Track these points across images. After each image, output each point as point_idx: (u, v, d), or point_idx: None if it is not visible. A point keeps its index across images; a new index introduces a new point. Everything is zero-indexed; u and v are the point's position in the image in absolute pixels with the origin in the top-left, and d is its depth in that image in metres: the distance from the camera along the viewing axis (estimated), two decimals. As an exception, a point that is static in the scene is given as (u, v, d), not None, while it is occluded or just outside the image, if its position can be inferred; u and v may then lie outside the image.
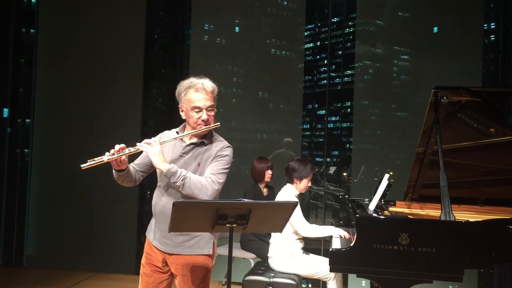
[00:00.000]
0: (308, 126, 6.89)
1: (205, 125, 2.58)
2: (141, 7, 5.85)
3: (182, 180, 2.45)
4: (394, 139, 6.57)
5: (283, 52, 7.10)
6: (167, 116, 5.52)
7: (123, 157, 2.46)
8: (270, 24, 7.02)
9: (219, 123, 2.61)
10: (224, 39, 6.87)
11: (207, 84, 2.61)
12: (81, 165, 2.39)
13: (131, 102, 5.75)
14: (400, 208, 3.82)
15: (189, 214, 2.25)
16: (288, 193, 3.90)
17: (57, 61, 5.98)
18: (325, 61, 6.97)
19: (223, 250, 4.57)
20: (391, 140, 6.57)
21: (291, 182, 3.93)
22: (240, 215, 2.26)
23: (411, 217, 3.47)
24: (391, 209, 3.73)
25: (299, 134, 6.64)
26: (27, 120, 5.89)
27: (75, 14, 5.93)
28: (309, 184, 3.97)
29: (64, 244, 5.76)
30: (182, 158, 2.61)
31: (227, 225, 2.27)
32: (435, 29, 6.13)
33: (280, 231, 2.44)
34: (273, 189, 4.97)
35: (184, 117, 2.66)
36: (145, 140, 2.50)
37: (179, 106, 2.66)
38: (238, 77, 6.98)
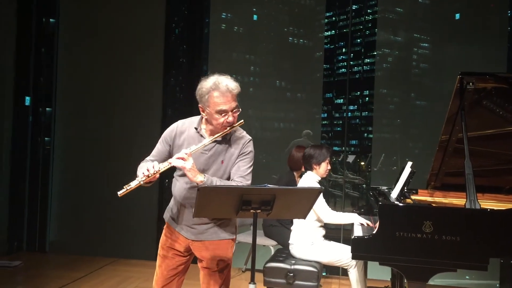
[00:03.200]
0: (326, 115, 6.83)
1: (230, 126, 2.54)
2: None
3: None
4: (413, 128, 6.50)
5: (301, 40, 7.04)
6: (186, 104, 5.49)
7: (157, 175, 2.43)
8: (288, 12, 6.96)
9: (242, 121, 2.56)
10: (242, 28, 6.83)
11: (232, 85, 2.49)
12: (118, 193, 2.39)
13: (150, 91, 5.73)
14: (422, 196, 3.77)
15: (214, 200, 2.23)
16: (310, 179, 3.88)
17: (77, 50, 5.99)
18: (344, 49, 6.90)
19: (243, 237, 4.57)
20: (410, 129, 6.50)
21: (311, 169, 3.90)
22: (264, 201, 2.23)
23: (434, 205, 3.43)
24: (413, 197, 3.68)
25: (318, 123, 6.60)
26: (47, 108, 5.92)
27: (95, 4, 5.93)
28: (329, 167, 3.94)
29: (86, 230, 5.82)
30: (204, 155, 2.58)
31: (251, 210, 2.26)
32: (457, 16, 6.01)
33: (304, 217, 2.42)
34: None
35: (205, 117, 2.58)
36: (177, 155, 2.43)
37: (200, 106, 2.56)
38: (256, 66, 6.94)
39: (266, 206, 2.25)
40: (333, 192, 6.13)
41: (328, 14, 6.95)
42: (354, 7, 6.56)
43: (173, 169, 2.57)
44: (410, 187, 3.82)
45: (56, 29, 5.95)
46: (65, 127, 6.03)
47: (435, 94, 6.04)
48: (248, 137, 2.65)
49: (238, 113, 2.55)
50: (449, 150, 3.39)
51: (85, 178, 5.84)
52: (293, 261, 3.68)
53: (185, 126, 2.68)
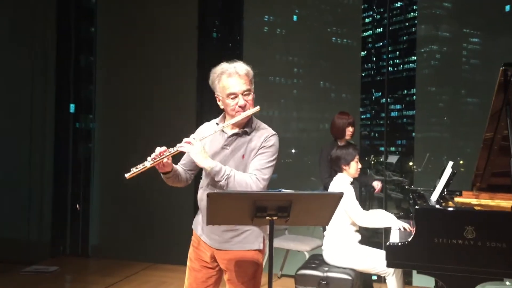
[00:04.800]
0: (369, 115, 6.57)
1: (244, 111, 2.35)
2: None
3: (225, 180, 2.25)
4: (463, 126, 6.17)
5: (345, 40, 6.82)
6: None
7: (165, 159, 2.30)
8: (330, 12, 6.76)
9: (258, 107, 2.36)
10: (282, 29, 6.70)
11: (240, 67, 2.36)
12: (125, 175, 2.29)
13: (186, 94, 5.65)
14: (467, 198, 3.43)
15: (225, 206, 2.05)
16: (341, 181, 3.63)
17: (114, 55, 6.00)
18: (389, 47, 6.63)
19: (277, 242, 4.36)
20: (460, 127, 6.17)
21: (340, 170, 3.66)
22: (281, 207, 2.03)
23: (478, 208, 3.11)
24: (456, 200, 3.36)
25: (358, 123, 6.37)
26: (89, 115, 5.99)
27: (130, 9, 5.91)
28: (360, 166, 3.69)
29: (125, 234, 5.80)
30: (225, 150, 2.40)
31: (267, 217, 2.06)
32: (507, 8, 5.59)
33: (327, 223, 2.21)
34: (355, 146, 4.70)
35: (222, 107, 2.45)
36: (185, 139, 2.31)
37: (216, 95, 2.44)
38: (300, 68, 6.78)
39: (283, 212, 2.04)
40: (375, 195, 5.86)
41: (372, 12, 6.70)
42: (398, 4, 6.26)
43: None
44: (456, 188, 3.52)
45: (94, 36, 6.00)
46: (105, 133, 6.05)
47: (487, 90, 5.64)
48: (272, 131, 2.43)
49: (250, 97, 2.38)
50: (494, 149, 3.07)
51: (124, 183, 5.81)
52: (326, 268, 3.43)
53: (209, 125, 2.56)
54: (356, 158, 3.64)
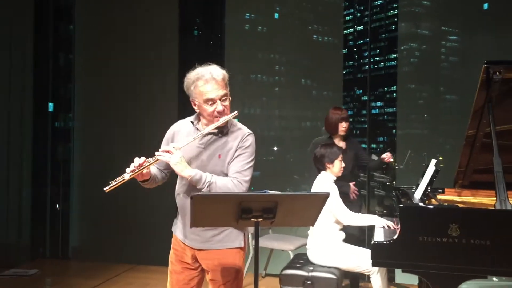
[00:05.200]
0: (352, 112, 6.56)
1: (222, 117, 2.32)
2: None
3: (207, 187, 2.24)
4: (443, 123, 6.21)
5: (326, 38, 6.81)
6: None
7: (145, 170, 2.27)
8: (312, 10, 6.74)
9: (236, 112, 2.35)
10: (263, 27, 6.65)
11: (216, 72, 2.31)
12: (104, 189, 2.24)
13: (167, 93, 5.57)
14: (449, 196, 3.43)
15: (210, 208, 1.99)
16: (324, 180, 3.59)
17: (93, 54, 5.89)
18: (370, 45, 6.64)
19: (261, 242, 4.30)
20: (439, 124, 6.20)
21: (324, 168, 3.62)
22: (266, 208, 1.99)
23: (461, 205, 3.10)
24: (439, 197, 3.35)
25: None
26: (68, 114, 5.86)
27: (109, 7, 5.80)
28: (343, 165, 3.66)
29: (107, 236, 5.69)
30: (200, 149, 2.37)
31: (252, 219, 2.01)
32: (485, 6, 5.63)
33: (312, 224, 2.16)
34: (354, 140, 4.47)
35: (197, 110, 2.41)
36: (164, 148, 2.28)
37: (191, 100, 2.40)
38: (281, 65, 6.75)
39: (268, 213, 2.00)
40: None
41: (352, 10, 6.69)
42: (379, 2, 6.26)
43: None
44: (438, 185, 3.51)
45: (72, 35, 5.87)
46: (84, 132, 5.93)
47: (466, 87, 5.71)
48: (248, 130, 2.41)
49: (228, 101, 2.35)
50: (476, 146, 3.06)
51: (105, 184, 5.71)
52: (311, 268, 3.39)
53: (182, 124, 2.51)
54: (340, 157, 3.61)
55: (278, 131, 6.70)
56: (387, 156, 4.25)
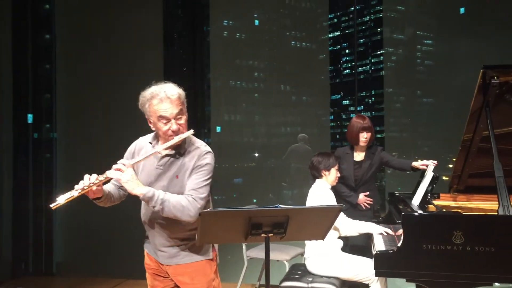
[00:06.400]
0: (333, 117, 6.52)
1: (176, 135, 2.23)
2: (158, 5, 5.48)
3: (160, 204, 2.12)
4: (420, 126, 6.20)
5: (304, 43, 6.75)
6: (188, 115, 5.15)
7: (94, 187, 2.13)
8: (290, 16, 6.68)
9: (192, 130, 2.26)
10: (244, 34, 6.55)
11: (171, 91, 2.23)
12: (50, 205, 2.05)
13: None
14: (445, 201, 3.35)
15: (218, 225, 1.86)
16: (320, 188, 3.47)
17: (75, 63, 5.65)
18: (348, 51, 6.62)
19: (255, 253, 4.14)
20: (417, 127, 6.20)
21: (320, 176, 3.51)
22: (277, 223, 1.86)
23: (457, 210, 3.03)
24: (436, 202, 3.27)
25: (325, 125, 6.27)
26: (47, 125, 5.59)
27: (90, 16, 5.58)
28: (338, 174, 3.56)
29: (93, 250, 5.43)
30: (159, 170, 2.28)
31: (262, 235, 1.88)
32: (462, 10, 5.65)
33: (323, 238, 2.05)
34: (378, 149, 3.99)
35: (153, 128, 2.33)
36: (115, 166, 2.16)
37: (146, 117, 2.32)
38: (260, 72, 6.66)
39: (279, 228, 1.87)
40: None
41: (330, 16, 6.67)
42: (356, 8, 6.25)
43: None
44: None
45: (53, 44, 5.61)
46: (66, 142, 5.66)
47: (442, 91, 5.72)
48: (206, 149, 2.31)
49: (183, 120, 2.27)
50: (472, 150, 3.01)
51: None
52: (310, 279, 3.26)
53: (143, 142, 2.42)
54: (337, 167, 3.50)
55: (258, 137, 6.60)
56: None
